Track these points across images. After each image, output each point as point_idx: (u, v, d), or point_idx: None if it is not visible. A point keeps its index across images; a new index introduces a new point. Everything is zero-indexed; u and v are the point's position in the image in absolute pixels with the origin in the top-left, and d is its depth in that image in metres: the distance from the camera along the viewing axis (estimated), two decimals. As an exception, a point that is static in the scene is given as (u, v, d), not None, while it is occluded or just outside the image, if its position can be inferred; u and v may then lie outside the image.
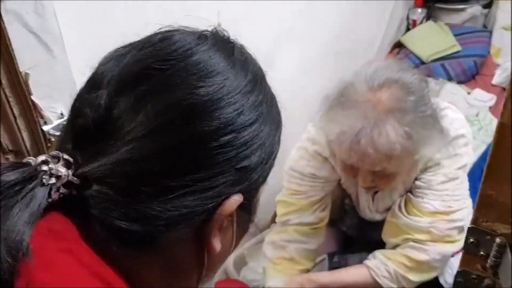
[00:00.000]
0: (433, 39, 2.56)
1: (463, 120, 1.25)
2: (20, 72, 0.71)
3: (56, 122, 0.63)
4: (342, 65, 1.79)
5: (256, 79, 0.53)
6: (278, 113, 0.57)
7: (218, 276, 1.70)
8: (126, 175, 0.46)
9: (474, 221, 0.53)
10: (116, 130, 0.47)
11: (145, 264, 0.50)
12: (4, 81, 0.70)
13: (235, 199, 0.50)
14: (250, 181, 0.52)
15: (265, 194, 1.81)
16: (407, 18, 2.70)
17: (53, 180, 0.45)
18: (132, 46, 0.52)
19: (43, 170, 0.45)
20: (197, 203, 0.48)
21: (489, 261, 0.52)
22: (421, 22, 2.69)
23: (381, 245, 1.38)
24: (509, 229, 0.50)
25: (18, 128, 0.74)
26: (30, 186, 0.44)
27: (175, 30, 0.53)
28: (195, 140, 0.47)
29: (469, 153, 1.25)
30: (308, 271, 1.40)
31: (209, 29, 0.54)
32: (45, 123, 0.76)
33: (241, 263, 1.74)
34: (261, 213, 1.90)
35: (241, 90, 0.50)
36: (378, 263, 1.30)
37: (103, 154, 0.47)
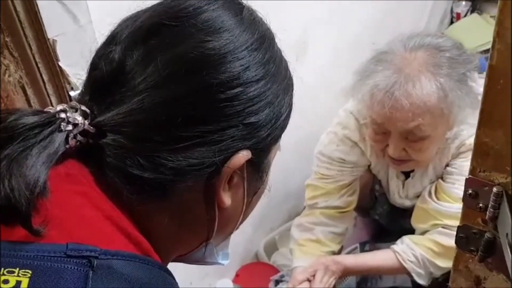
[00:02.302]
0: (476, 31, 2.48)
1: None
2: (48, 39, 0.75)
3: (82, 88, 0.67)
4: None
5: (263, 38, 0.54)
6: (287, 77, 0.58)
7: (249, 259, 1.73)
8: (138, 124, 0.48)
9: (472, 171, 0.50)
10: (128, 82, 0.49)
11: (154, 211, 0.52)
12: (34, 47, 0.75)
13: (244, 154, 0.51)
14: (259, 138, 0.53)
15: (297, 183, 1.79)
16: (451, 11, 2.63)
17: (70, 127, 0.48)
18: (147, 8, 0.55)
19: (61, 118, 0.48)
20: (206, 155, 0.49)
21: (488, 213, 0.51)
22: (465, 15, 2.61)
23: (413, 234, 1.34)
24: (506, 178, 0.48)
25: (47, 92, 0.78)
26: (48, 130, 0.47)
27: None
28: (202, 91, 0.49)
29: None
30: (334, 253, 1.39)
31: None
32: (72, 88, 0.80)
33: (272, 249, 1.76)
34: (293, 201, 1.89)
35: (247, 47, 0.52)
36: (405, 247, 1.28)
37: (116, 104, 0.49)
